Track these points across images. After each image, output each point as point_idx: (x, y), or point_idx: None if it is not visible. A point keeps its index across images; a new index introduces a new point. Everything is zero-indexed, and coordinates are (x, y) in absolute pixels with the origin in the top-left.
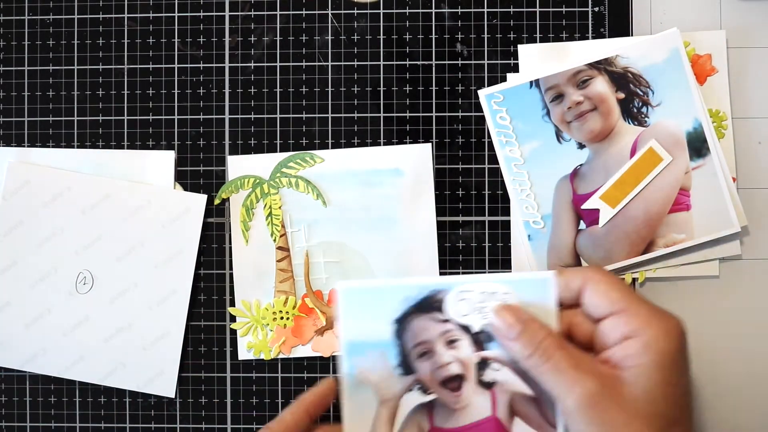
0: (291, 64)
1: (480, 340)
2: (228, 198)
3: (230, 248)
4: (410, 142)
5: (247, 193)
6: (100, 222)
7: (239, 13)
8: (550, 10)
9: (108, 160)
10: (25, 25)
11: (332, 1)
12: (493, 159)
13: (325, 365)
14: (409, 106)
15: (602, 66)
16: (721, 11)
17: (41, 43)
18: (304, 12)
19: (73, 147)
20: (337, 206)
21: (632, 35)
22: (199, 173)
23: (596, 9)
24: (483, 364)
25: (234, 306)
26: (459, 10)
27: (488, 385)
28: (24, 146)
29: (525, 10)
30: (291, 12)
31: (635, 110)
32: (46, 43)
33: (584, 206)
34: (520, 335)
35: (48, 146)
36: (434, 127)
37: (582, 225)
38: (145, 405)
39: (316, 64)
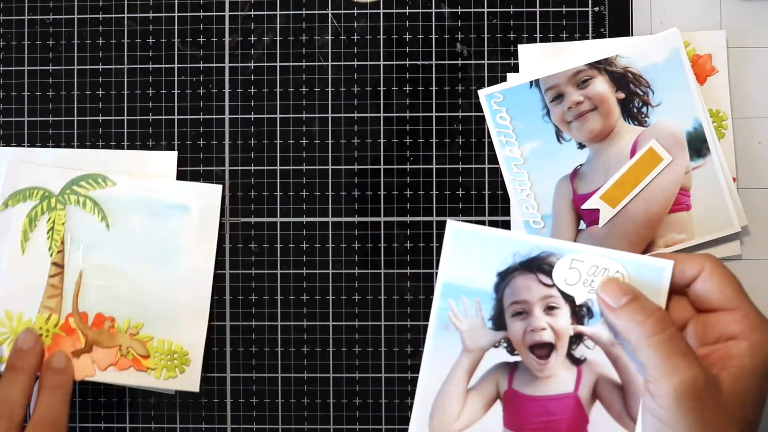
0: (291, 64)
1: (580, 313)
2: (14, 205)
3: (229, 248)
4: (203, 182)
5: (34, 204)
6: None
7: (239, 13)
8: (550, 10)
9: (110, 159)
10: (25, 25)
11: (332, 1)
12: (493, 159)
13: (326, 365)
14: (409, 106)
15: (602, 66)
16: (721, 11)
17: (41, 43)
18: (304, 12)
19: (73, 147)
20: (121, 232)
21: (632, 35)
22: (200, 173)
23: (596, 9)
24: (577, 338)
25: None
26: (459, 10)
27: (577, 362)
28: (24, 146)
29: (525, 10)
30: (291, 12)
31: (635, 110)
32: (46, 43)
33: (584, 206)
34: (628, 304)
35: (48, 146)
36: (434, 127)
37: (582, 225)
38: (145, 405)
39: (316, 64)
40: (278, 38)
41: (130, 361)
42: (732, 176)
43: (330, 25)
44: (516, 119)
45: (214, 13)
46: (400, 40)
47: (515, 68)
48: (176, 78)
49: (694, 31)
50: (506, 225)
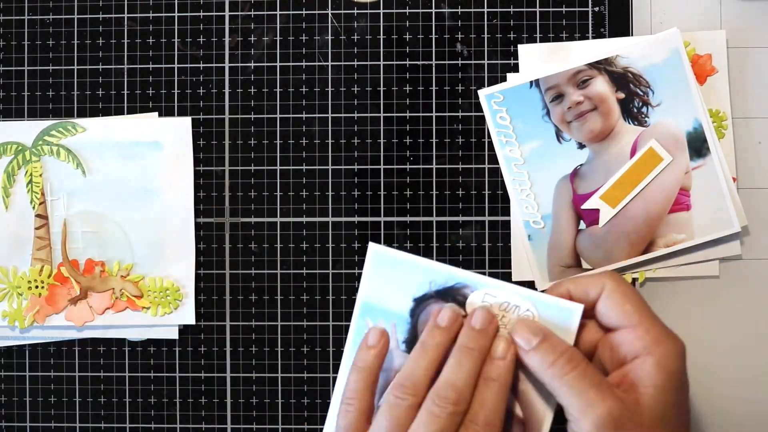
0: (291, 64)
1: None
2: None
3: (229, 248)
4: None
5: (9, 159)
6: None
7: (239, 13)
8: (550, 10)
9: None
10: (25, 25)
11: (332, 1)
12: (493, 159)
13: (326, 365)
14: (409, 106)
15: (602, 66)
16: (721, 11)
17: (41, 43)
18: (304, 12)
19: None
20: (98, 176)
21: (632, 35)
22: (200, 173)
23: (596, 9)
24: None
25: None
26: (459, 10)
27: None
28: None
29: (525, 10)
30: (291, 12)
31: (635, 110)
32: (46, 43)
33: (584, 206)
34: (539, 345)
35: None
36: (434, 127)
37: (582, 225)
38: (145, 405)
39: (316, 64)
40: (278, 38)
41: (125, 302)
42: (732, 176)
43: (330, 25)
44: (516, 119)
45: (214, 13)
46: (400, 40)
47: (515, 68)
48: (176, 78)
49: (694, 31)
50: (506, 225)
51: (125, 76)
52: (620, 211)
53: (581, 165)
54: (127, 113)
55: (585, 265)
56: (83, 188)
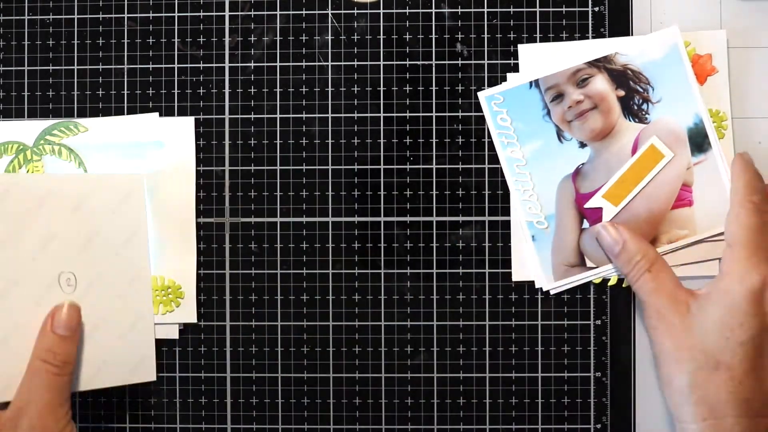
0: (291, 64)
1: None
2: None
3: (229, 248)
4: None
5: (11, 158)
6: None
7: (239, 13)
8: (550, 10)
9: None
10: (25, 25)
11: (332, 1)
12: (493, 159)
13: (326, 365)
14: (409, 106)
15: (601, 64)
16: (721, 11)
17: (41, 43)
18: (304, 12)
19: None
20: None
21: (632, 35)
22: (200, 173)
23: (596, 9)
24: None
25: None
26: (459, 10)
27: None
28: None
29: (525, 10)
30: (291, 12)
31: (635, 107)
32: (46, 43)
33: (587, 205)
34: (620, 252)
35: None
36: (434, 127)
37: (585, 224)
38: (145, 405)
39: (316, 64)
40: (278, 38)
41: None
42: None
43: (330, 25)
44: (516, 120)
45: (214, 13)
46: (400, 40)
47: (515, 68)
48: (176, 78)
49: (694, 31)
50: (506, 225)
51: (125, 76)
52: (623, 209)
53: (583, 164)
54: (128, 113)
55: (589, 263)
56: None
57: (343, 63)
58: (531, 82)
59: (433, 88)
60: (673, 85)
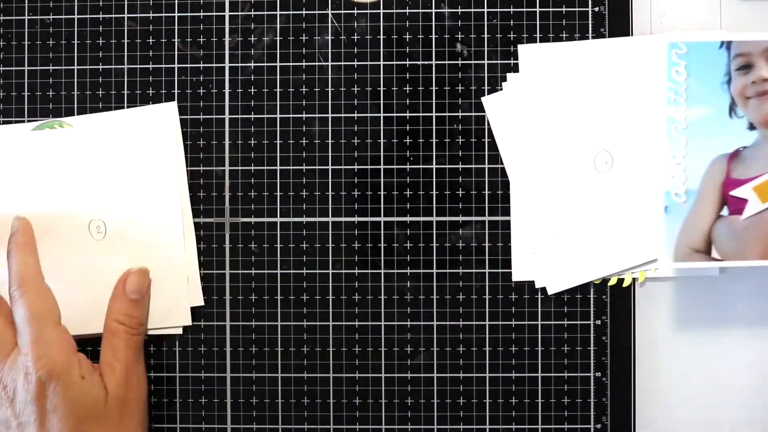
0: (291, 64)
1: None
2: None
3: (229, 248)
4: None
5: None
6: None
7: (239, 13)
8: (550, 10)
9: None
10: (25, 25)
11: (332, 1)
12: (493, 159)
13: (326, 365)
14: (409, 106)
15: None
16: (721, 11)
17: (41, 43)
18: (304, 12)
19: None
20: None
21: (632, 35)
22: (200, 173)
23: (596, 9)
24: None
25: None
26: (459, 10)
27: None
28: None
29: (525, 10)
30: (291, 12)
31: None
32: (46, 43)
33: (733, 192)
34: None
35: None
36: (434, 127)
37: (725, 211)
38: None
39: (316, 64)
40: (278, 38)
41: None
42: None
43: (330, 25)
44: (693, 77)
45: (214, 13)
46: (400, 40)
47: (515, 68)
48: (176, 78)
49: (694, 31)
50: (506, 225)
51: (125, 76)
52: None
53: (744, 147)
54: None
55: (714, 254)
56: None
57: (343, 63)
58: (722, 42)
59: (433, 88)
60: None
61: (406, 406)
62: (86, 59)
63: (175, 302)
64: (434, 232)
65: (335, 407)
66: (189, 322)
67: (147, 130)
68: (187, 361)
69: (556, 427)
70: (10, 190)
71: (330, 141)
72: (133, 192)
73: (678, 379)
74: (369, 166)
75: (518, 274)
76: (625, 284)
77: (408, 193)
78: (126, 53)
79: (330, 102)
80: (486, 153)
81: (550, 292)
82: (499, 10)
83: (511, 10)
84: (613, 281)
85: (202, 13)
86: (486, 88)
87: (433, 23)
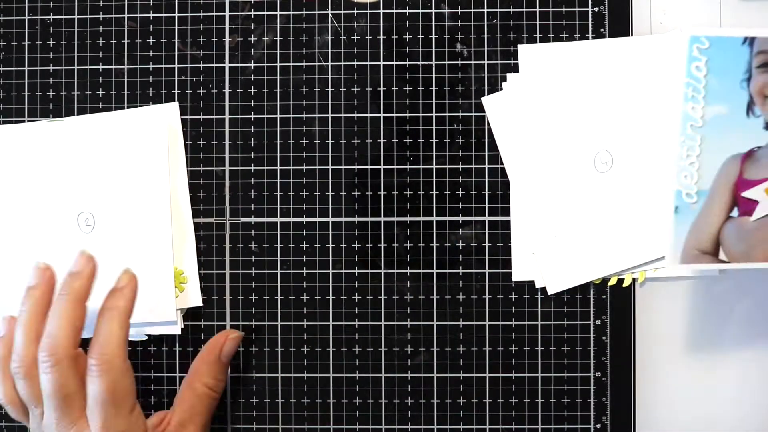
0: (291, 64)
1: None
2: None
3: (229, 248)
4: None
5: None
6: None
7: (239, 13)
8: (550, 10)
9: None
10: (25, 25)
11: (332, 1)
12: (493, 159)
13: (326, 365)
14: (409, 106)
15: None
16: (721, 11)
17: (41, 43)
18: (304, 12)
19: None
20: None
21: (632, 35)
22: (200, 173)
23: (596, 9)
24: None
25: None
26: (459, 10)
27: None
28: None
29: (525, 10)
30: (291, 12)
31: None
32: (46, 43)
33: (744, 193)
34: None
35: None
36: (434, 127)
37: (735, 212)
38: (145, 405)
39: (316, 64)
40: (278, 38)
41: None
42: None
43: (330, 25)
44: (713, 74)
45: (214, 13)
46: (400, 40)
47: (515, 68)
48: (176, 78)
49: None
50: (506, 225)
51: (125, 76)
52: None
53: (759, 147)
54: None
55: (722, 255)
56: None
57: (343, 63)
58: (745, 38)
59: (433, 89)
60: None
61: (406, 406)
62: (86, 59)
63: (163, 296)
64: (434, 232)
65: (335, 407)
66: (174, 317)
67: (145, 130)
68: (187, 361)
69: (556, 427)
70: (3, 183)
71: (330, 141)
72: (123, 187)
73: (678, 379)
74: (369, 166)
75: (518, 274)
76: (625, 284)
77: (408, 193)
78: (126, 53)
79: (330, 102)
80: (486, 153)
81: (550, 292)
82: (499, 10)
83: (511, 10)
84: (612, 281)
85: (202, 13)
86: (486, 88)
87: (433, 23)
